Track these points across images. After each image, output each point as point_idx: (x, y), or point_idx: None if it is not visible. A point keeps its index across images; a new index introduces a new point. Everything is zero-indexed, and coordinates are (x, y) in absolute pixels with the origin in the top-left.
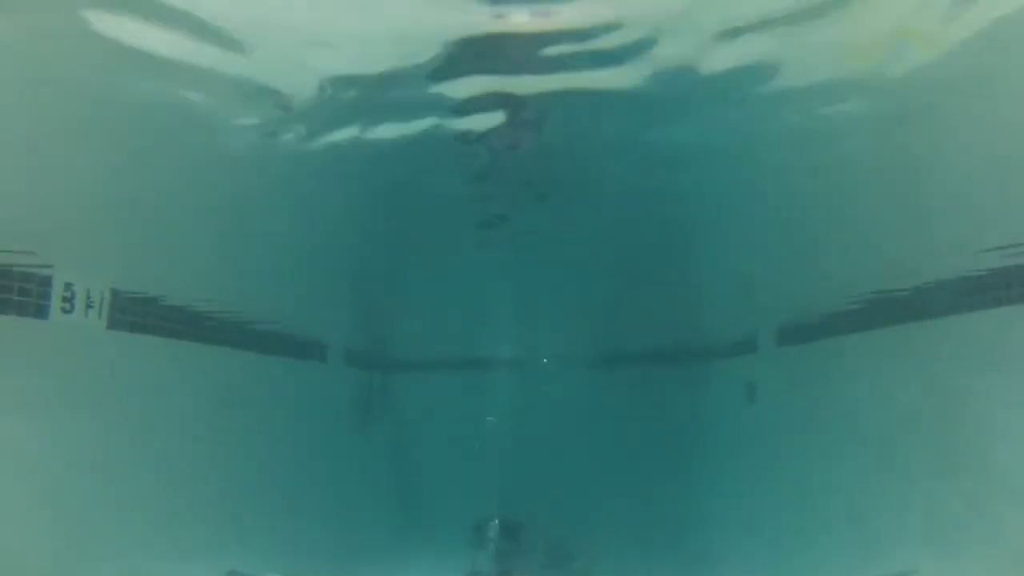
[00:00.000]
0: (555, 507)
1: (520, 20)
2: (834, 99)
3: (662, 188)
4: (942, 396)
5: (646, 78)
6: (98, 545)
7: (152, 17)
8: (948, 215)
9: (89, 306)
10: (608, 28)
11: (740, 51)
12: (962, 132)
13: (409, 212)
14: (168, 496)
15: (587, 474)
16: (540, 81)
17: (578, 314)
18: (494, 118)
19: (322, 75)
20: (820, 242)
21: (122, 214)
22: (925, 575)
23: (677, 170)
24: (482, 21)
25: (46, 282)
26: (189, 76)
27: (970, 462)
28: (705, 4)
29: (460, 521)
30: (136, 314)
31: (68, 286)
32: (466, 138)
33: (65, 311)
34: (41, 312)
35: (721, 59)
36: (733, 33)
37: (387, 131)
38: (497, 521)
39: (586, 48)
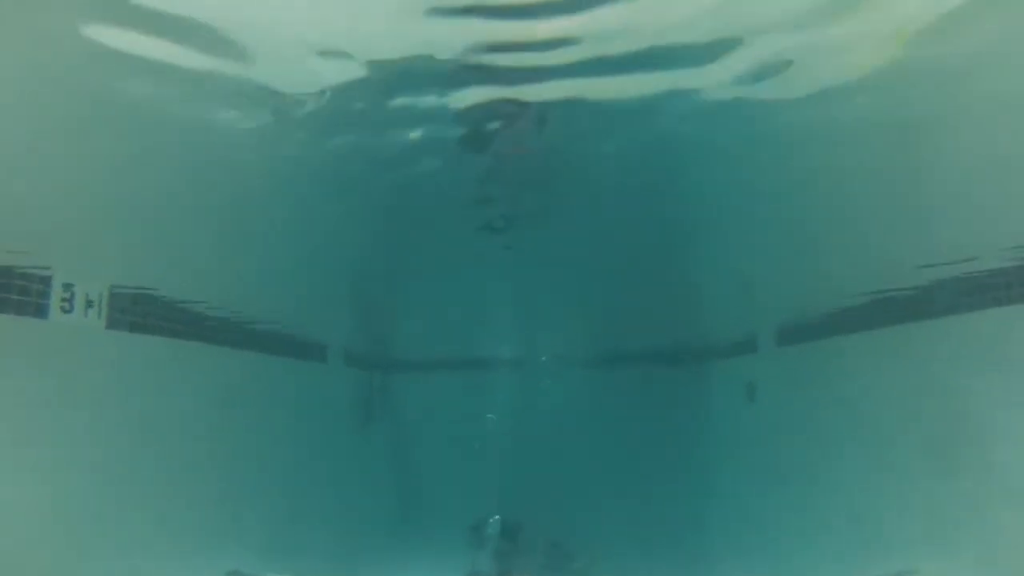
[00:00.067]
0: (555, 507)
1: (526, 27)
2: (838, 100)
3: (663, 188)
4: (942, 396)
5: (647, 81)
6: (98, 545)
7: (154, 25)
8: (948, 215)
9: (88, 306)
10: (612, 35)
11: (744, 55)
12: (962, 133)
13: (410, 213)
14: (168, 496)
15: (587, 474)
16: (544, 87)
17: (578, 314)
18: (497, 122)
19: (326, 81)
20: (820, 242)
21: (122, 215)
22: (925, 575)
23: (678, 170)
24: (488, 28)
25: (46, 282)
26: (191, 81)
27: (970, 462)
28: (706, 12)
29: (460, 521)
30: (135, 314)
31: (67, 286)
32: (469, 141)
33: (64, 311)
34: (41, 312)
35: (722, 62)
36: (736, 40)
37: (390, 135)
38: (499, 518)
39: (591, 54)
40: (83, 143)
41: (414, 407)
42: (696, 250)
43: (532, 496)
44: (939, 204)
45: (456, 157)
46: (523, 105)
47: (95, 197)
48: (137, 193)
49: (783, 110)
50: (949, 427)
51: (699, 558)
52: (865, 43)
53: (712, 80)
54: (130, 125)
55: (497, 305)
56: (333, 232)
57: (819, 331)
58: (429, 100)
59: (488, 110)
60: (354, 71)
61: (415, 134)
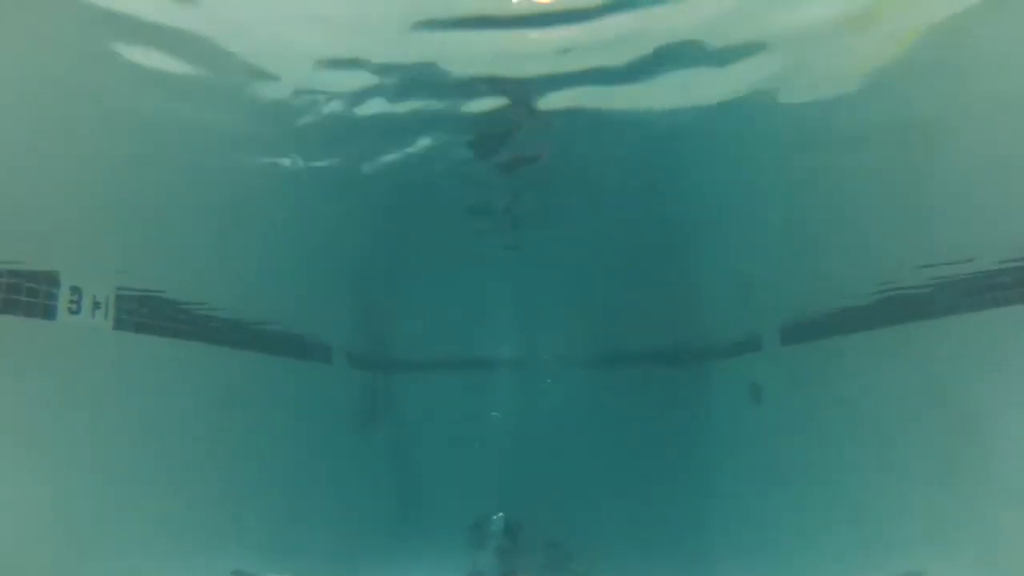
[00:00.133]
0: (555, 507)
1: (530, 35)
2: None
3: (664, 187)
4: (944, 395)
5: (650, 85)
6: (98, 544)
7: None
8: (949, 215)
9: (96, 307)
10: (616, 42)
11: (746, 57)
12: (962, 133)
13: (412, 214)
14: (170, 495)
15: (588, 475)
16: (550, 95)
17: (580, 314)
18: (501, 125)
19: (332, 89)
20: (824, 241)
21: (129, 218)
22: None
23: (680, 170)
24: (493, 37)
25: (54, 283)
26: (196, 91)
27: (971, 462)
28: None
29: (461, 521)
30: (142, 315)
31: (75, 288)
32: (477, 148)
33: (72, 312)
34: (49, 313)
35: (723, 63)
36: (738, 43)
37: (394, 140)
38: (502, 515)
39: (595, 62)
40: (92, 149)
41: (415, 407)
42: (699, 248)
43: (533, 496)
44: (940, 204)
45: (458, 159)
46: (531, 112)
47: (101, 198)
48: (143, 197)
49: (788, 110)
50: (950, 427)
51: (699, 558)
52: (868, 46)
53: (714, 82)
54: (138, 131)
55: (498, 305)
56: (334, 233)
57: (824, 330)
58: (435, 107)
59: (495, 117)
60: (360, 81)
61: (419, 139)
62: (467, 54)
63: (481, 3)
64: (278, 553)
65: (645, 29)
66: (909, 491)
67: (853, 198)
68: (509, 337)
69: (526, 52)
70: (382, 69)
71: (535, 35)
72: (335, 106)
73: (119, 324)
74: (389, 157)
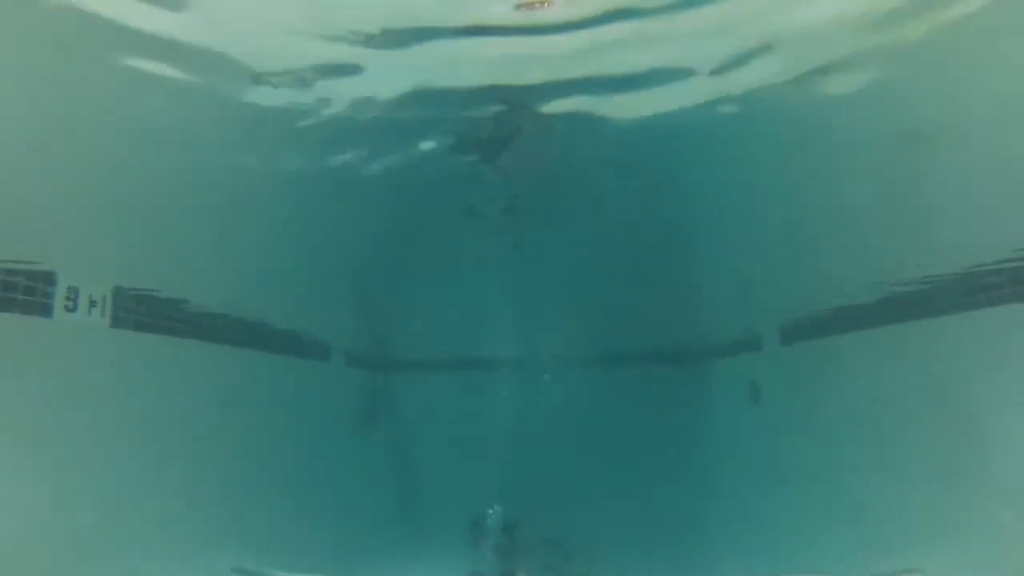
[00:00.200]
0: (555, 506)
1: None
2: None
3: (665, 188)
4: (945, 394)
5: (649, 84)
6: (98, 544)
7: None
8: (949, 213)
9: (92, 305)
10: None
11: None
12: (962, 132)
13: (413, 215)
14: (168, 495)
15: (587, 473)
16: (552, 101)
17: (580, 314)
18: (503, 129)
19: (335, 95)
20: (824, 238)
21: (127, 216)
22: (927, 574)
23: (680, 170)
24: (496, 43)
25: (50, 281)
26: (198, 93)
27: (971, 462)
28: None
29: (461, 520)
30: (139, 312)
31: (72, 286)
32: (481, 151)
33: (68, 309)
34: (45, 311)
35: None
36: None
37: (397, 143)
38: (500, 508)
39: (599, 69)
40: (91, 147)
41: (415, 407)
42: (698, 249)
43: (533, 495)
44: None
45: (460, 161)
46: (532, 115)
47: (101, 199)
48: (141, 194)
49: (793, 111)
50: (952, 426)
51: (698, 556)
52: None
53: (715, 82)
54: (140, 133)
55: (499, 305)
56: (334, 232)
57: (825, 328)
58: (437, 111)
59: (497, 120)
60: (363, 86)
61: (421, 142)
62: (468, 60)
63: (482, 12)
64: (278, 553)
65: (646, 33)
66: (909, 490)
67: (853, 197)
68: (509, 337)
69: (527, 58)
70: (384, 73)
71: (535, 42)
72: (336, 109)
73: (116, 322)
74: (390, 158)
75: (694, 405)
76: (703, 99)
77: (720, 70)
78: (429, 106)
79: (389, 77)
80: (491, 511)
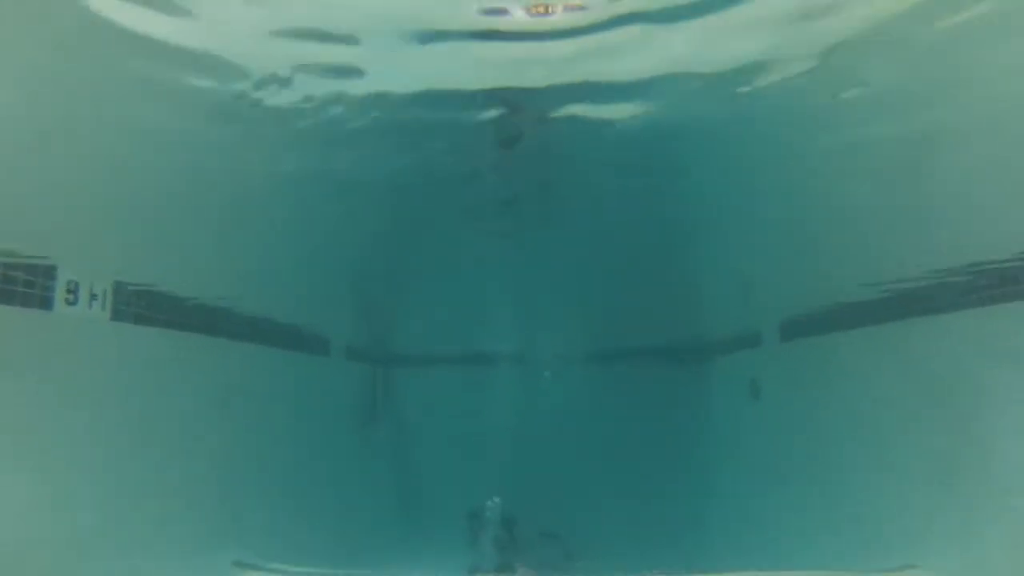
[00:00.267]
0: (554, 503)
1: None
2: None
3: (665, 187)
4: (947, 392)
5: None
6: (98, 543)
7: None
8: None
9: (93, 297)
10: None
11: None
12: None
13: (414, 213)
14: (168, 492)
15: (587, 469)
16: (553, 101)
17: (579, 311)
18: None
19: (338, 97)
20: (825, 236)
21: (127, 210)
22: (926, 572)
23: (682, 166)
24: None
25: (51, 274)
26: (201, 95)
27: (973, 460)
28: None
29: (459, 515)
30: (140, 306)
31: (71, 279)
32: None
33: (69, 303)
34: (45, 303)
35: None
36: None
37: (398, 143)
38: (499, 500)
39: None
40: (92, 142)
41: (415, 403)
42: (698, 245)
43: (532, 492)
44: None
45: (461, 160)
46: (535, 118)
47: (103, 193)
48: (143, 188)
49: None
50: (953, 424)
51: (696, 552)
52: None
53: (715, 82)
54: (140, 120)
55: (499, 304)
56: (337, 227)
57: (825, 325)
58: (438, 113)
59: (498, 123)
60: (366, 87)
61: (422, 143)
62: (469, 62)
63: (484, 17)
64: (278, 550)
65: (648, 36)
66: (911, 489)
67: (853, 197)
68: (509, 333)
69: (528, 61)
70: (385, 74)
71: (537, 45)
72: (337, 111)
73: (116, 315)
74: (391, 159)
75: (693, 401)
76: (703, 99)
77: (721, 71)
78: (430, 107)
79: (390, 79)
80: (490, 502)
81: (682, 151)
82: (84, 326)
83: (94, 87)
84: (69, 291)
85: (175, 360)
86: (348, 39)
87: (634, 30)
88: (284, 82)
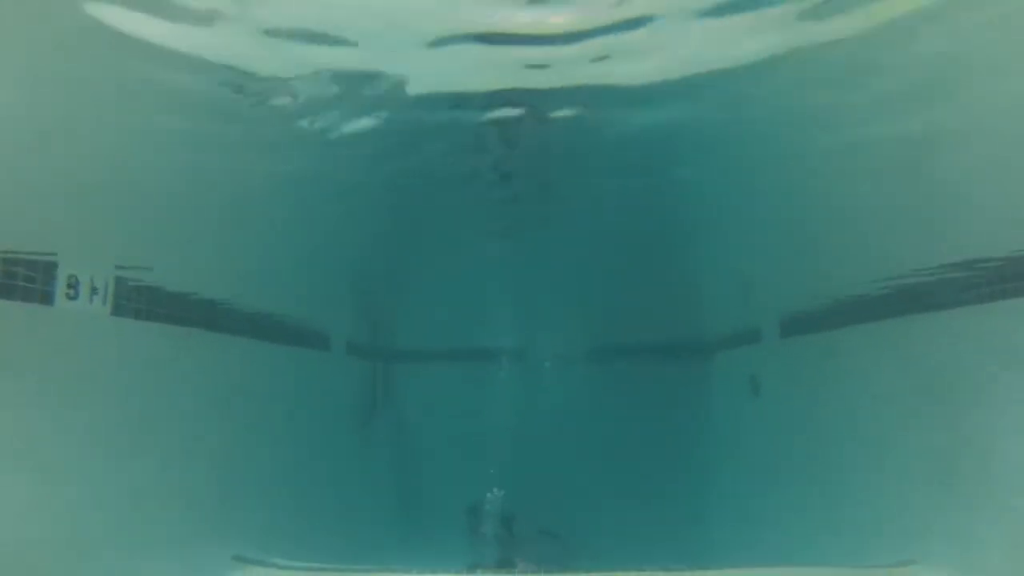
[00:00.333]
0: (553, 500)
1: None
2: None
3: (665, 186)
4: (947, 389)
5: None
6: (98, 542)
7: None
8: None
9: (94, 292)
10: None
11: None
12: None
13: (415, 213)
14: (169, 489)
15: (586, 465)
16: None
17: (579, 309)
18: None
19: (340, 99)
20: (825, 233)
21: (129, 203)
22: (925, 570)
23: (682, 163)
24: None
25: (51, 269)
26: (204, 98)
27: (974, 459)
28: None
29: (459, 510)
30: (141, 301)
31: (72, 274)
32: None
33: (70, 297)
34: (46, 298)
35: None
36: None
37: (399, 144)
38: (501, 492)
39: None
40: (92, 134)
41: (416, 401)
42: (697, 245)
43: (532, 488)
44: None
45: (462, 160)
46: (535, 119)
47: (102, 185)
48: (143, 182)
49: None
50: (954, 423)
51: (696, 548)
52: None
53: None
54: (139, 115)
55: (499, 303)
56: (338, 224)
57: (826, 322)
58: (439, 115)
59: (499, 124)
60: (366, 89)
61: (423, 144)
62: (471, 64)
63: (485, 19)
64: (277, 548)
65: (649, 39)
66: (911, 488)
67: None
68: (509, 331)
69: (531, 63)
70: (388, 78)
71: (538, 50)
72: (338, 112)
73: (117, 310)
74: (391, 159)
75: (693, 398)
76: (703, 100)
77: (721, 71)
78: (431, 108)
79: (391, 80)
80: (490, 495)
81: (682, 151)
82: (85, 321)
83: (94, 87)
84: (70, 286)
85: (176, 355)
86: (348, 40)
87: (638, 33)
88: (284, 83)
